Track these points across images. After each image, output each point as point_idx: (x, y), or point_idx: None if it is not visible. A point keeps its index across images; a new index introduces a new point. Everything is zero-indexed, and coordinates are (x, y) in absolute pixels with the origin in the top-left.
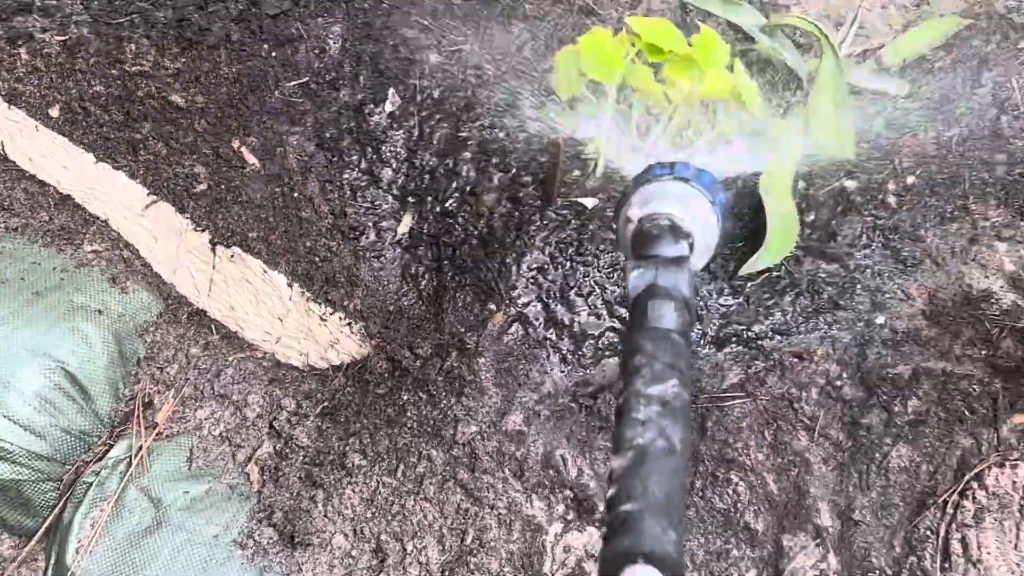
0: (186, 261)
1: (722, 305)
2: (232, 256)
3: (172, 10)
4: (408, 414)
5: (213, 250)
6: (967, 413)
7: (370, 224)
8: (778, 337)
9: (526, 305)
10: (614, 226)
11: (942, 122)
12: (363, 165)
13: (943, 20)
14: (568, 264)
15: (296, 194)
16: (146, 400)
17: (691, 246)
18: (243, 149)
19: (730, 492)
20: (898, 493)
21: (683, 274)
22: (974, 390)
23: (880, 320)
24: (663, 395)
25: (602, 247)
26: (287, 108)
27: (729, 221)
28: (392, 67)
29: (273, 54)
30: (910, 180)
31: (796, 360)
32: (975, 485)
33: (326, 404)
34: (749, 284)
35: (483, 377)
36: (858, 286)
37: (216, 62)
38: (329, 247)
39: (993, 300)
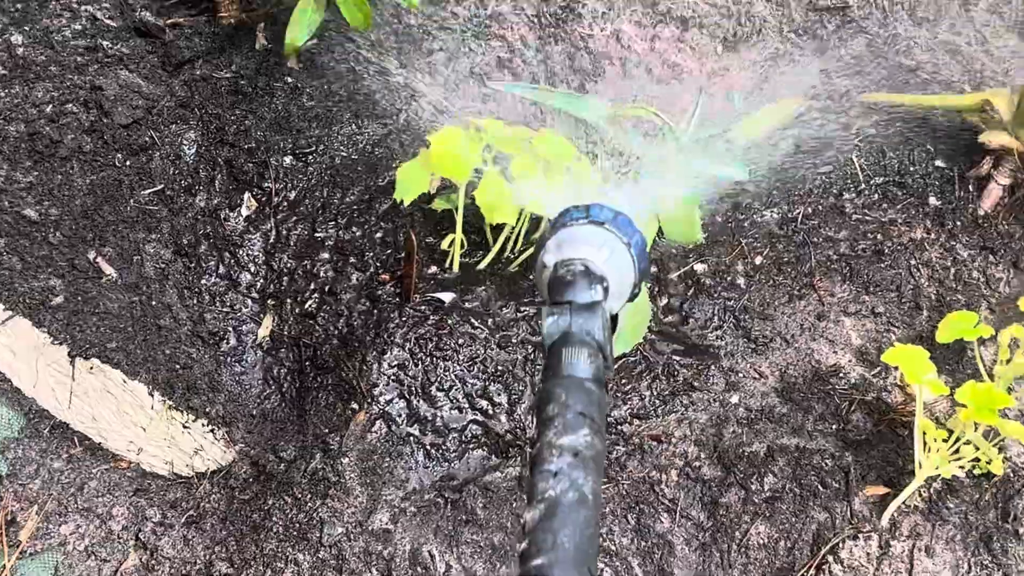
0: (46, 375)
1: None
2: (92, 368)
3: (23, 124)
4: (274, 519)
5: (72, 363)
6: (821, 488)
7: (230, 329)
8: (637, 421)
9: (388, 402)
10: (532, 274)
11: (787, 202)
12: (221, 270)
13: (784, 102)
14: (428, 359)
15: (154, 302)
16: (9, 518)
17: (606, 290)
18: (99, 260)
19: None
20: (758, 571)
21: (597, 319)
22: (827, 464)
23: (734, 399)
24: (575, 445)
25: (461, 341)
26: (143, 216)
27: (645, 262)
28: (247, 171)
29: (127, 163)
30: (758, 260)
31: (655, 443)
32: (831, 559)
33: (192, 513)
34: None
35: (348, 477)
36: (712, 367)
37: (69, 174)
38: (189, 354)
39: (842, 375)
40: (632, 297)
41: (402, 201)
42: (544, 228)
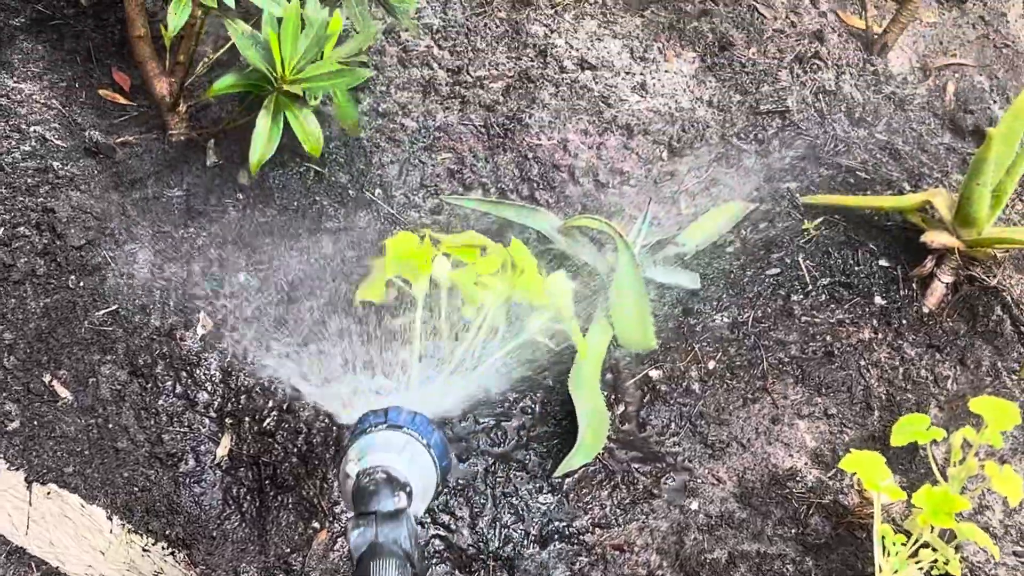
0: (2, 500)
1: (542, 504)
2: (49, 493)
3: None
4: None
5: (29, 488)
6: None
7: (188, 449)
8: (599, 530)
9: (349, 520)
10: (336, 483)
11: (736, 305)
12: (178, 390)
13: (729, 206)
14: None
15: (111, 424)
16: None
17: (409, 495)
18: (54, 383)
19: None
20: None
21: (403, 527)
22: (788, 570)
23: (694, 506)
24: None
25: None
26: (98, 337)
27: (447, 460)
28: (201, 289)
29: (80, 284)
30: (711, 364)
31: (617, 552)
32: None
33: None
34: (567, 481)
35: None
36: (671, 473)
37: (22, 297)
38: (147, 476)
39: (798, 478)
40: (436, 495)
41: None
42: (346, 437)
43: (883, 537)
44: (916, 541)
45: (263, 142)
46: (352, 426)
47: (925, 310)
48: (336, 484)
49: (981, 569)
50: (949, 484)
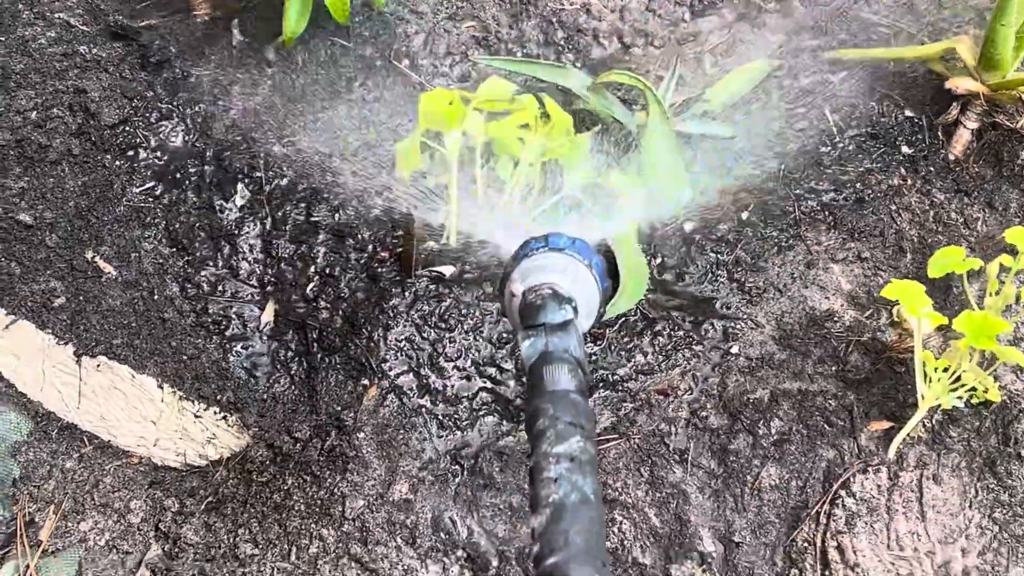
0: (52, 376)
1: (586, 353)
2: (99, 366)
3: (9, 131)
4: (295, 497)
5: (79, 362)
6: (826, 427)
7: (234, 316)
8: (642, 377)
9: (398, 376)
10: (501, 303)
11: (768, 158)
12: (219, 261)
13: (754, 65)
14: (433, 332)
15: (156, 296)
16: (27, 519)
17: (575, 309)
18: (97, 259)
19: (616, 531)
20: (773, 511)
21: (572, 337)
22: (830, 405)
23: (735, 349)
24: (570, 452)
25: (464, 312)
26: (137, 214)
27: (607, 281)
28: (237, 162)
29: (117, 163)
30: (744, 216)
31: (662, 397)
32: (843, 493)
33: (211, 499)
34: (609, 330)
35: (365, 452)
36: (710, 319)
37: (60, 177)
38: (195, 344)
39: (836, 319)
40: (600, 316)
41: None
42: (506, 261)
43: (924, 364)
44: (956, 370)
45: (296, 15)
46: (514, 252)
47: (952, 157)
48: (383, 348)
49: (1021, 396)
50: (987, 312)
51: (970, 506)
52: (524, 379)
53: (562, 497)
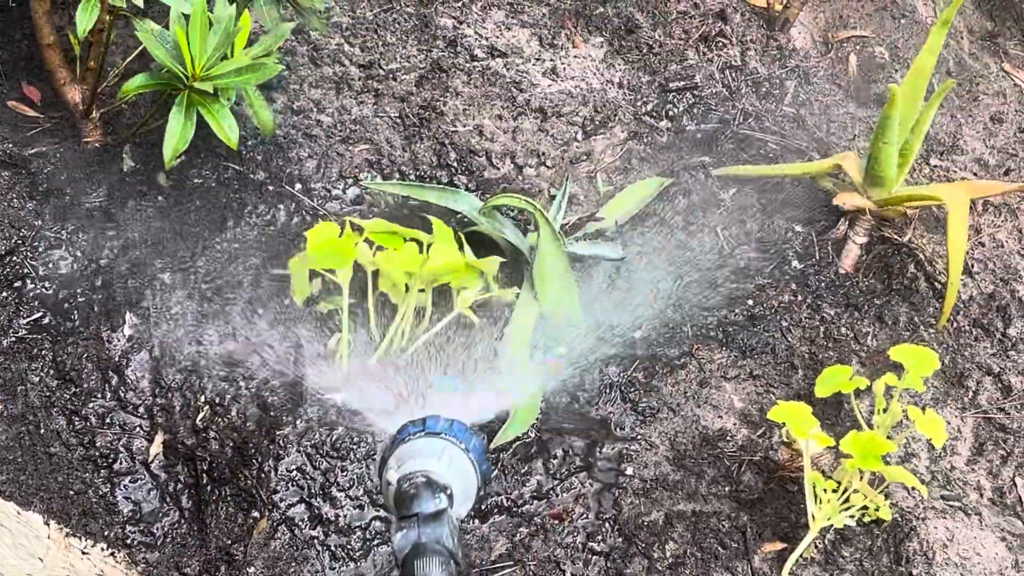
0: None
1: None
2: None
3: None
4: None
5: None
6: (720, 549)
7: (122, 449)
8: (536, 501)
9: (289, 507)
10: (378, 489)
11: (657, 278)
12: (108, 392)
13: (647, 182)
14: (325, 461)
15: (43, 430)
16: None
17: (450, 497)
18: None
19: None
20: None
21: (445, 526)
22: (724, 526)
23: (629, 471)
24: None
25: (355, 439)
26: (24, 346)
27: (486, 463)
28: (126, 292)
29: (3, 294)
30: (637, 335)
31: (557, 521)
32: None
33: None
34: (503, 455)
35: None
36: (604, 441)
37: None
38: (82, 479)
39: (728, 438)
40: (479, 498)
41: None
42: (383, 446)
43: (814, 485)
44: (846, 489)
45: (176, 137)
46: (391, 436)
47: (842, 271)
48: (274, 479)
49: (911, 514)
50: (875, 432)
51: None
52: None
53: None
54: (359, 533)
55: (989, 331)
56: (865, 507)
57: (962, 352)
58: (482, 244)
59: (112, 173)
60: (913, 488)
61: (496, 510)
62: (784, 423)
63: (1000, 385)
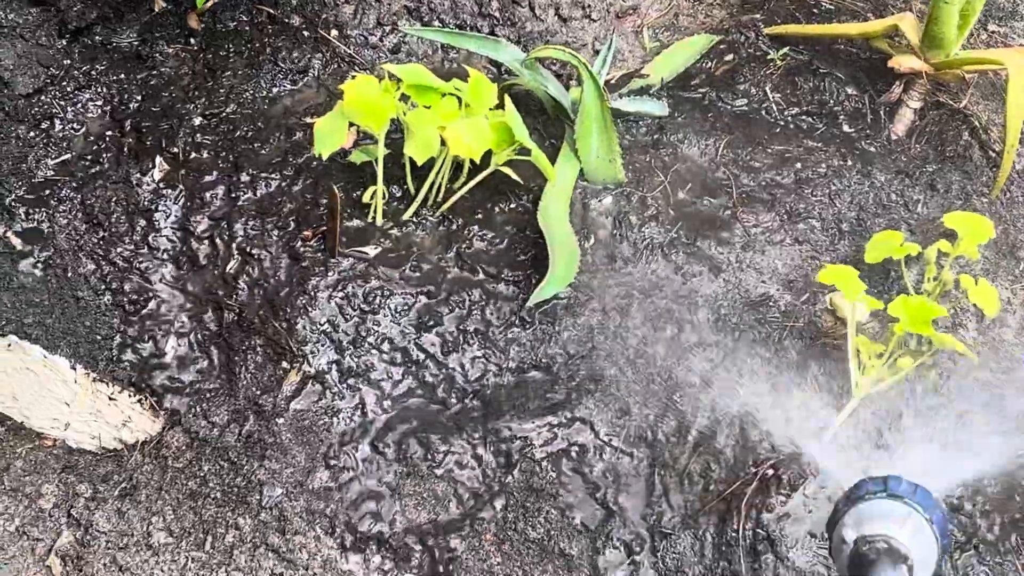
0: None
1: (516, 336)
2: (9, 345)
3: None
4: (211, 484)
5: None
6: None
7: (149, 295)
8: (574, 360)
9: (320, 359)
10: (830, 545)
11: (705, 136)
12: (136, 237)
13: (695, 39)
14: (357, 313)
15: (70, 274)
16: None
17: (910, 569)
18: (9, 234)
19: (541, 520)
20: (702, 498)
21: None
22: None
23: (668, 333)
24: None
25: (389, 292)
26: (52, 187)
27: (947, 539)
28: (155, 134)
29: (31, 134)
30: (680, 195)
31: (592, 383)
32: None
33: (124, 485)
34: (539, 312)
35: (284, 438)
36: (645, 299)
37: None
38: (110, 324)
39: (771, 303)
40: (934, 575)
41: (320, 155)
42: (837, 502)
43: (858, 351)
44: (891, 354)
45: None
46: (847, 492)
47: (894, 136)
48: (304, 331)
49: None
50: (925, 298)
51: None
52: None
53: None
54: (389, 387)
55: None
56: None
57: (1015, 223)
58: (523, 103)
59: (143, 13)
60: (962, 355)
61: (532, 367)
62: (832, 286)
63: None
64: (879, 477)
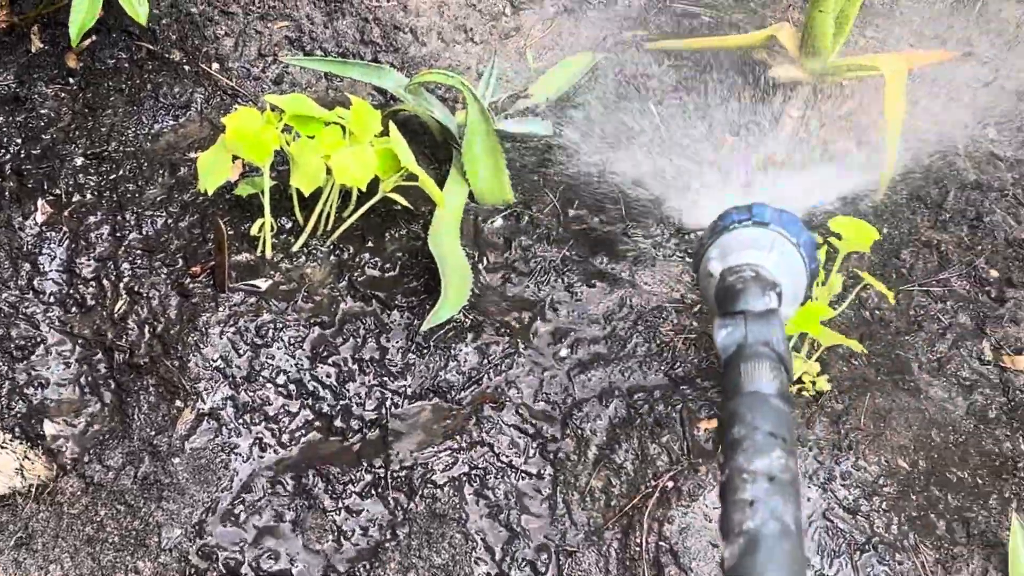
0: None
1: (411, 362)
2: None
3: None
4: (108, 529)
5: None
6: (658, 428)
7: (37, 340)
8: (471, 385)
9: (214, 396)
10: (695, 281)
11: (592, 152)
12: (21, 282)
13: (577, 58)
14: (248, 348)
15: None
16: None
17: (779, 296)
18: None
19: (445, 546)
20: (604, 514)
21: (774, 328)
22: (655, 396)
23: (563, 353)
24: (770, 469)
25: (278, 326)
26: None
27: (815, 263)
28: (37, 178)
29: None
30: (571, 212)
31: (492, 405)
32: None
33: (20, 535)
34: (433, 337)
35: (181, 477)
36: (538, 320)
37: None
38: None
39: (665, 315)
40: (804, 300)
41: (206, 190)
42: (702, 235)
43: None
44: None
45: (83, 12)
46: (712, 223)
47: None
48: (197, 368)
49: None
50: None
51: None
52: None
53: (758, 526)
54: (286, 421)
55: (927, 203)
56: (801, 381)
57: (899, 225)
58: (410, 128)
59: (20, 55)
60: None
61: (430, 393)
62: None
63: (938, 255)
64: (743, 206)
